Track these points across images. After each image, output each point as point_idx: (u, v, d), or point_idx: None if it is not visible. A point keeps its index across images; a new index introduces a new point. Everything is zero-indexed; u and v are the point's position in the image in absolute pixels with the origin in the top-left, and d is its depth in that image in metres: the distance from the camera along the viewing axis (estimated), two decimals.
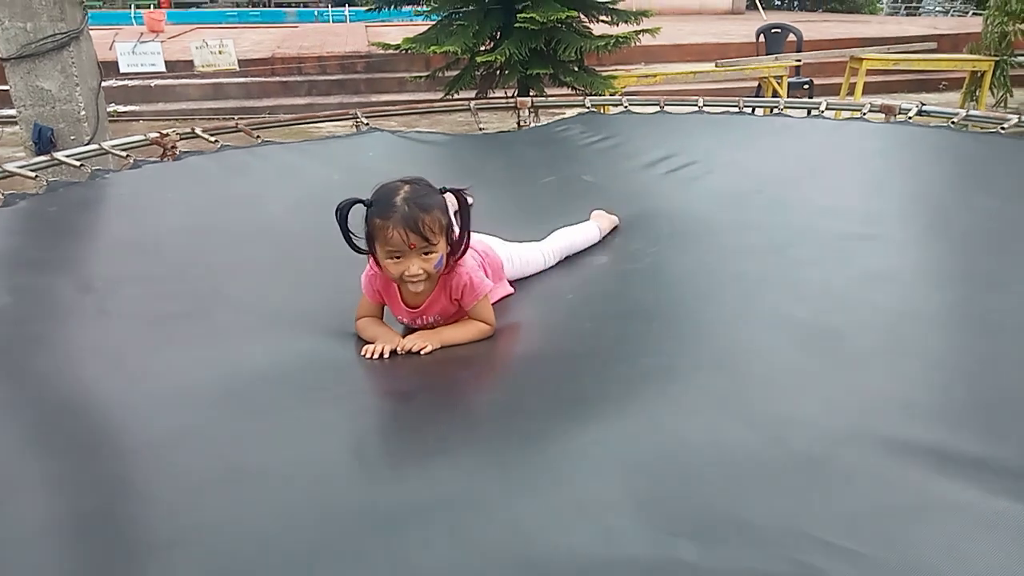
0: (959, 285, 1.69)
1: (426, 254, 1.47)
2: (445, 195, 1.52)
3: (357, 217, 1.52)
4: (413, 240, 1.44)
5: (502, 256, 1.83)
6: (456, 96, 6.42)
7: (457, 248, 1.55)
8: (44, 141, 3.77)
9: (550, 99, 4.15)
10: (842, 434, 1.14)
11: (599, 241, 2.13)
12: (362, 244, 1.53)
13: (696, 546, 0.94)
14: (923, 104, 2.89)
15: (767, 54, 7.06)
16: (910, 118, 2.81)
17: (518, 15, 5.74)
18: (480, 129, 3.40)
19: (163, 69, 6.40)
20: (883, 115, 2.88)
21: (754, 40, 7.66)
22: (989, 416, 1.18)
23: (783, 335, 1.48)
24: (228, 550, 0.96)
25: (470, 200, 1.56)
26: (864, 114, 2.89)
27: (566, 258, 2.05)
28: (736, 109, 3.13)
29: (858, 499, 1.01)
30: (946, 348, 1.43)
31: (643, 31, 6.24)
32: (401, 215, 1.42)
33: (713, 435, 1.16)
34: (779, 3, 21.28)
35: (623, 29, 6.25)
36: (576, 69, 6.26)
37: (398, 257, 1.47)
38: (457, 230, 1.55)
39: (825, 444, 1.12)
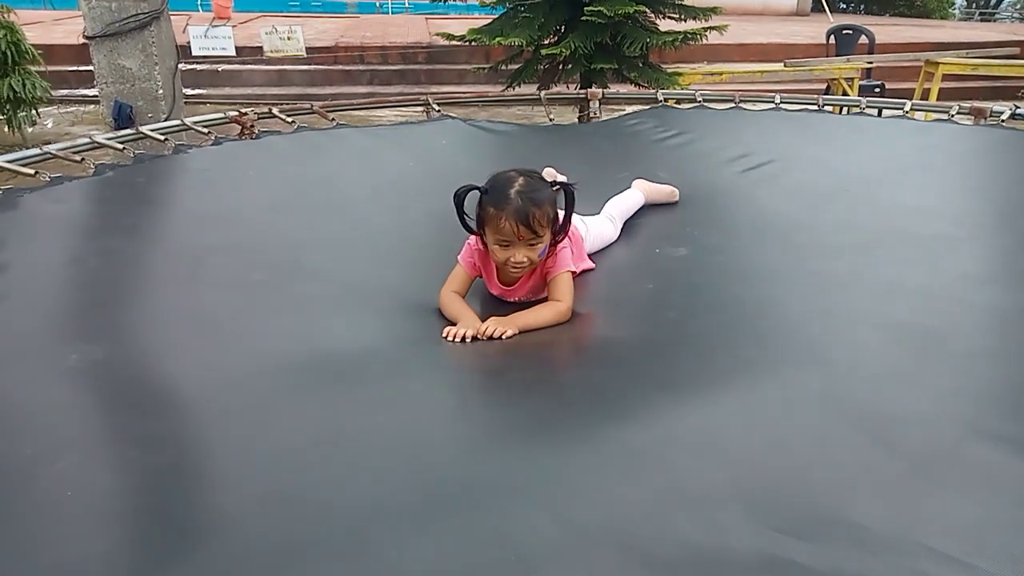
0: None
1: (532, 244, 1.55)
2: (556, 190, 1.60)
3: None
4: (523, 232, 1.52)
5: (582, 234, 1.87)
6: (517, 89, 6.39)
7: (557, 236, 1.62)
8: (123, 118, 3.88)
9: (620, 93, 4.10)
10: (954, 437, 1.09)
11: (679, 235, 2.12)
12: (473, 226, 1.64)
13: (804, 545, 0.90)
14: (1016, 107, 2.77)
15: (837, 55, 6.88)
16: (1002, 122, 2.70)
17: (585, 8, 5.68)
18: (550, 120, 3.38)
19: (233, 53, 6.54)
20: (972, 118, 2.77)
21: (821, 41, 7.48)
22: None
23: (881, 334, 1.43)
24: (323, 511, 0.96)
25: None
26: (952, 116, 2.79)
27: (642, 249, 2.04)
28: (815, 107, 3.04)
29: (977, 508, 0.96)
30: None
31: (710, 28, 6.13)
32: (514, 208, 1.51)
33: (816, 431, 1.12)
34: (844, 6, 20.74)
35: (690, 25, 6.14)
36: (641, 64, 6.18)
37: (506, 245, 1.55)
38: (561, 222, 1.62)
39: (937, 447, 1.07)
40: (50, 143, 2.38)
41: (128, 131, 2.55)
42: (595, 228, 1.97)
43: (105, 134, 2.47)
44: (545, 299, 1.64)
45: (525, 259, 1.55)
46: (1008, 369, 1.28)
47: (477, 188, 1.58)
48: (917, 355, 1.34)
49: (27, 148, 2.22)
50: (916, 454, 1.06)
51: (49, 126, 7.07)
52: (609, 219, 2.05)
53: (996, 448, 1.05)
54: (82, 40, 3.96)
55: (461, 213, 1.61)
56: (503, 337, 1.51)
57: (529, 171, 1.60)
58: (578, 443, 1.09)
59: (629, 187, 2.27)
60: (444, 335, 1.51)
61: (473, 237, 1.67)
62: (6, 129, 6.00)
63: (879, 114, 3.12)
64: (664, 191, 2.29)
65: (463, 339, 1.49)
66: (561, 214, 1.62)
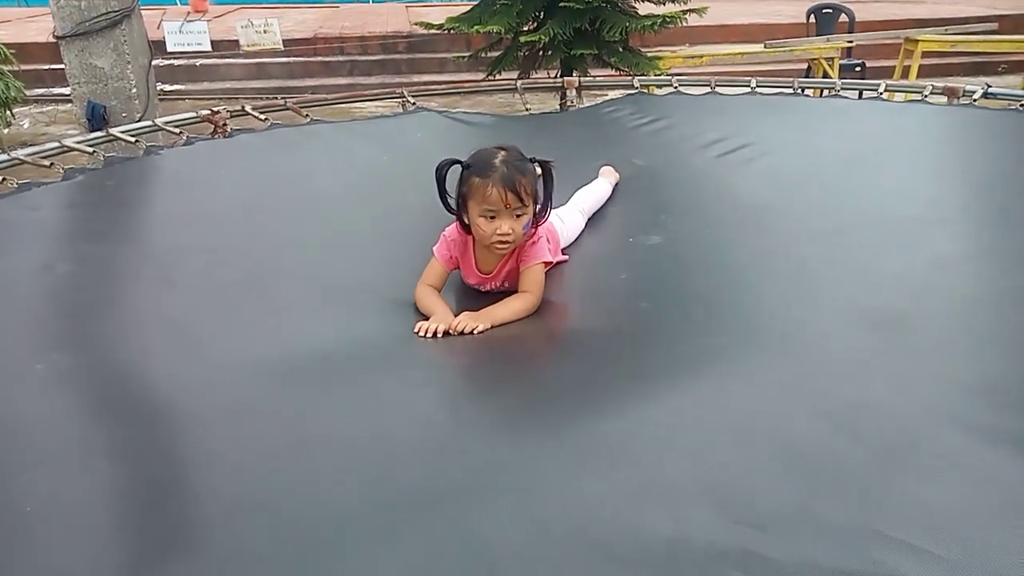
0: None
1: (517, 215, 1.55)
2: (534, 164, 1.61)
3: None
4: (510, 199, 1.52)
5: (557, 226, 1.87)
6: (499, 76, 6.36)
7: (539, 216, 1.63)
8: (97, 118, 3.84)
9: (597, 79, 4.09)
10: (918, 422, 1.10)
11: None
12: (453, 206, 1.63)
13: (765, 536, 0.91)
14: (989, 86, 2.78)
15: (817, 35, 6.87)
16: (975, 101, 2.71)
17: None
18: (526, 109, 3.37)
19: (209, 48, 6.45)
20: (946, 97, 2.78)
21: (803, 21, 7.46)
22: None
23: (849, 319, 1.44)
24: (295, 518, 0.96)
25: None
26: (926, 96, 2.79)
27: (617, 239, 2.04)
28: (791, 90, 3.04)
29: (938, 494, 0.97)
30: (1022, 332, 1.37)
31: (690, 11, 6.10)
32: (501, 174, 1.52)
33: (781, 420, 1.13)
34: None
35: (669, 9, 6.12)
36: (621, 50, 6.15)
37: (492, 216, 1.55)
38: (540, 199, 1.63)
39: (900, 433, 1.09)
40: (27, 143, 2.36)
41: (98, 134, 2.52)
42: (569, 222, 1.97)
43: (75, 138, 2.44)
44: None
45: (510, 230, 1.54)
46: (977, 355, 1.30)
47: (459, 162, 1.57)
48: (886, 342, 1.35)
49: (3, 148, 2.19)
50: (880, 442, 1.07)
51: (25, 126, 6.99)
52: (580, 211, 2.05)
53: (961, 435, 1.06)
54: (53, 39, 3.90)
55: (442, 189, 1.60)
56: (475, 332, 1.51)
57: (511, 146, 1.61)
58: (546, 440, 1.09)
59: (597, 177, 2.27)
60: (416, 331, 1.51)
61: (449, 228, 1.67)
62: None
63: (860, 96, 3.13)
64: (615, 175, 2.32)
65: (435, 334, 1.49)
66: (541, 193, 1.63)
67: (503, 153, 1.56)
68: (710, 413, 1.15)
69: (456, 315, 1.54)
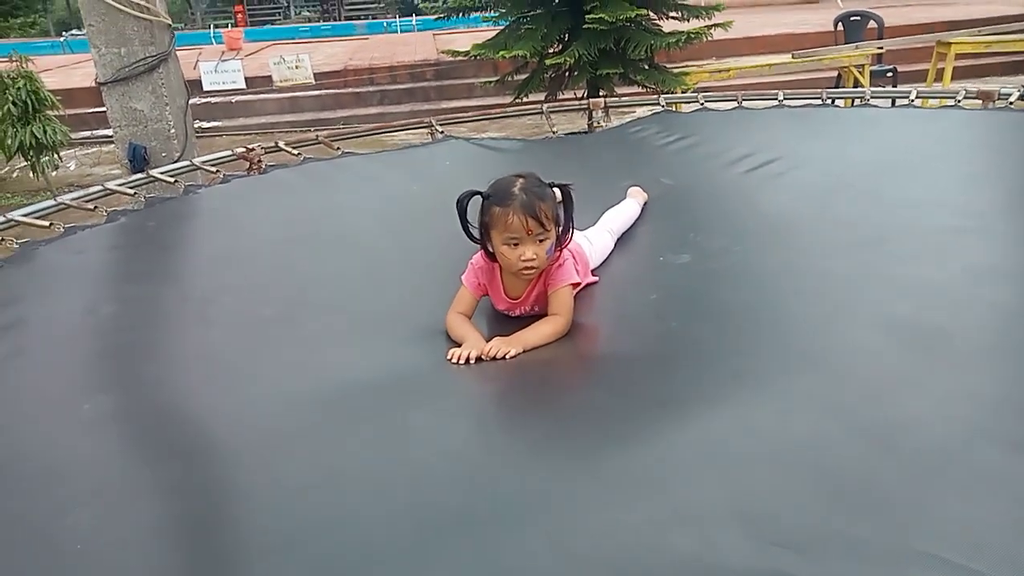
0: None
1: (540, 240, 1.57)
2: (553, 188, 1.63)
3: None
4: (531, 225, 1.54)
5: (585, 248, 1.88)
6: (526, 99, 6.43)
7: (562, 238, 1.64)
8: (138, 159, 3.98)
9: (623, 99, 4.11)
10: (957, 440, 1.08)
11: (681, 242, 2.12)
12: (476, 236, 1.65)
13: (800, 559, 0.90)
14: None
15: (846, 43, 6.81)
16: (1011, 103, 2.66)
17: (586, 16, 5.71)
18: (552, 131, 3.39)
19: (243, 85, 6.67)
20: (980, 102, 2.73)
21: (831, 29, 7.40)
22: None
23: (884, 334, 1.42)
24: (329, 553, 0.98)
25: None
26: (959, 101, 2.75)
27: (646, 258, 2.05)
28: (819, 101, 3.02)
29: (978, 512, 0.95)
30: None
31: (714, 26, 6.11)
32: (520, 202, 1.54)
33: (815, 440, 1.12)
34: None
35: (694, 25, 6.13)
36: (647, 67, 6.18)
37: (515, 244, 1.57)
38: (563, 222, 1.65)
39: (938, 451, 1.06)
40: (73, 184, 2.46)
41: (139, 176, 2.62)
42: (598, 243, 1.98)
43: (117, 181, 2.53)
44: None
45: (535, 256, 1.56)
46: (1015, 370, 1.26)
47: (480, 193, 1.60)
48: (920, 356, 1.33)
49: (52, 191, 2.30)
50: (916, 460, 1.05)
51: (72, 168, 7.27)
52: (608, 232, 2.05)
53: (997, 450, 1.04)
54: (95, 85, 4.07)
55: (464, 221, 1.63)
56: (507, 357, 1.52)
57: (528, 173, 1.63)
58: (575, 468, 1.10)
59: (625, 198, 2.27)
60: (448, 358, 1.53)
61: (476, 256, 1.69)
62: (31, 174, 6.18)
63: (893, 104, 3.08)
64: (644, 196, 2.32)
65: (467, 360, 1.51)
66: (562, 216, 1.65)
67: (521, 180, 1.58)
68: (741, 435, 1.14)
69: (487, 341, 1.55)
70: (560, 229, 1.63)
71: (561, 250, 1.65)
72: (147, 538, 1.04)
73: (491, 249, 1.63)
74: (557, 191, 1.65)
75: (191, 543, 1.04)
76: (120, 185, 2.49)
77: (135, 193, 2.47)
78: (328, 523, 1.03)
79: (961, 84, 2.96)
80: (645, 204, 2.33)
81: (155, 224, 2.23)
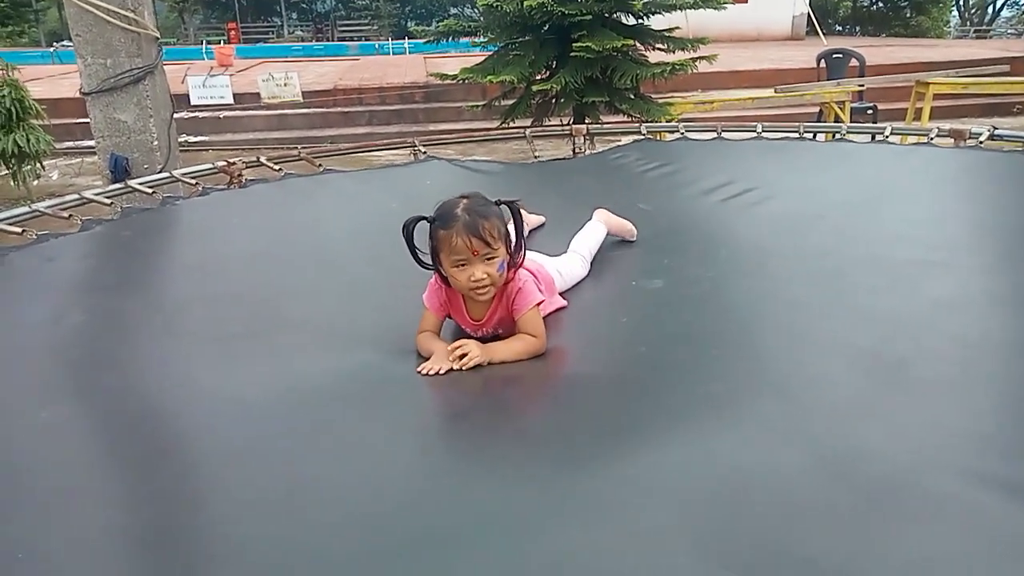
0: None
1: (488, 259, 1.55)
2: (500, 206, 1.61)
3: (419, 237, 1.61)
4: (476, 246, 1.52)
5: (552, 272, 1.87)
6: (512, 124, 6.48)
7: (515, 256, 1.62)
8: (119, 170, 3.96)
9: (605, 127, 4.16)
10: (912, 469, 1.09)
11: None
12: (427, 261, 1.63)
13: None
14: (995, 128, 2.79)
15: (828, 79, 6.94)
16: (981, 143, 2.72)
17: (574, 44, 5.79)
18: (535, 157, 3.42)
19: (231, 101, 6.67)
20: (952, 140, 2.79)
21: (814, 66, 7.54)
22: None
23: (847, 364, 1.43)
24: (282, 564, 0.97)
25: (525, 215, 1.69)
26: (931, 139, 2.81)
27: (619, 283, 2.06)
28: (796, 135, 3.07)
29: (931, 541, 0.96)
30: (1020, 379, 1.36)
31: (700, 58, 6.22)
32: (463, 223, 1.52)
33: (773, 467, 1.12)
34: (840, 28, 20.96)
35: (679, 56, 6.23)
36: (632, 96, 6.26)
37: (463, 264, 1.55)
38: (514, 239, 1.62)
39: (894, 480, 1.07)
40: (54, 194, 2.44)
41: (117, 186, 2.61)
42: (567, 271, 1.96)
43: (94, 190, 2.52)
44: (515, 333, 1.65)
45: (485, 275, 1.54)
46: (974, 402, 1.28)
47: (425, 218, 1.58)
48: (882, 386, 1.34)
49: (31, 199, 2.28)
50: (871, 489, 1.05)
51: (54, 178, 7.22)
52: (580, 257, 2.05)
53: (956, 482, 1.05)
54: (79, 95, 4.06)
55: (412, 247, 1.60)
56: (471, 363, 1.52)
57: (472, 193, 1.61)
58: (533, 488, 1.09)
59: (591, 219, 2.25)
60: (419, 370, 1.52)
61: (433, 279, 1.67)
62: (12, 183, 6.13)
63: (872, 139, 3.14)
64: (625, 227, 2.28)
65: (438, 372, 1.51)
66: (512, 233, 1.63)
67: (465, 201, 1.56)
68: (700, 461, 1.14)
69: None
70: (512, 247, 1.61)
71: (516, 269, 1.63)
72: (96, 547, 1.02)
73: (444, 273, 1.61)
74: (505, 208, 1.63)
75: (141, 553, 1.02)
76: (97, 194, 2.48)
77: (112, 203, 2.46)
78: (282, 532, 1.02)
79: (937, 123, 3.02)
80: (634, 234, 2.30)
81: (130, 234, 2.21)
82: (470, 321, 1.67)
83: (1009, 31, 20.29)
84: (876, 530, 0.99)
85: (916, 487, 1.06)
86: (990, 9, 21.39)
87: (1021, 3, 21.34)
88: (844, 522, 1.00)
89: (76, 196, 2.40)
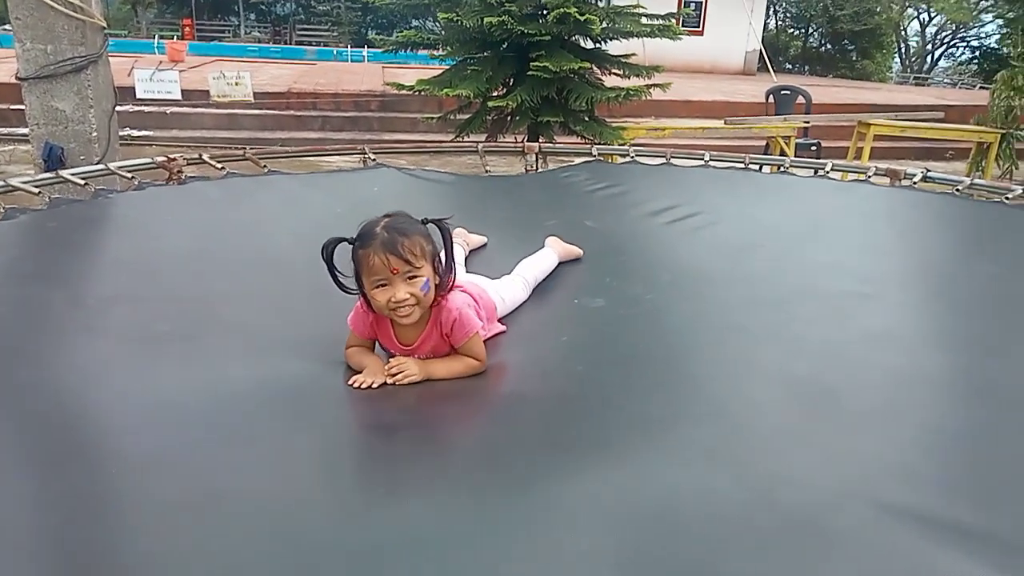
0: (958, 350, 1.66)
1: (410, 278, 1.47)
2: (427, 225, 1.54)
3: (345, 259, 1.53)
4: (395, 264, 1.44)
5: (494, 298, 1.82)
6: (467, 138, 6.48)
7: (444, 277, 1.55)
8: (53, 160, 3.80)
9: (558, 146, 4.19)
10: (835, 496, 1.10)
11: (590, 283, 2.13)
12: (351, 284, 1.54)
13: None
14: (928, 171, 2.90)
15: (776, 114, 7.15)
16: (915, 184, 2.82)
17: (531, 63, 5.84)
18: (486, 171, 3.42)
19: (179, 97, 6.50)
20: (888, 179, 2.89)
21: (763, 100, 7.77)
22: (986, 485, 1.15)
23: (779, 390, 1.46)
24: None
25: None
26: (869, 177, 2.90)
27: (561, 301, 2.05)
28: (742, 165, 3.14)
29: (847, 565, 0.97)
30: (944, 413, 1.40)
31: (654, 86, 6.33)
32: (381, 240, 1.45)
33: (703, 490, 1.13)
34: (790, 66, 21.69)
35: (634, 83, 6.34)
36: (586, 119, 6.34)
37: (383, 284, 1.47)
38: (443, 260, 1.56)
39: (817, 505, 1.09)
40: None
41: (47, 175, 2.50)
42: (510, 296, 1.91)
43: (22, 178, 2.41)
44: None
45: (407, 295, 1.46)
46: (897, 430, 1.31)
47: (346, 239, 1.50)
48: (811, 413, 1.37)
49: None
50: (795, 515, 1.06)
51: None
52: (524, 281, 2.00)
53: (871, 511, 1.06)
54: (15, 80, 3.89)
55: (332, 269, 1.51)
56: (406, 380, 1.48)
57: (396, 212, 1.53)
58: (460, 506, 1.07)
59: (543, 247, 2.22)
60: (350, 383, 1.48)
61: (358, 303, 1.58)
62: None
63: (815, 173, 3.23)
64: (573, 252, 2.26)
65: (370, 386, 1.46)
66: (441, 254, 1.56)
67: (386, 219, 1.49)
68: (631, 483, 1.14)
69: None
70: (442, 268, 1.53)
71: (447, 292, 1.55)
72: (3, 550, 0.95)
73: (367, 295, 1.52)
74: (432, 226, 1.55)
75: (44, 558, 0.96)
76: (26, 183, 2.36)
77: (40, 192, 2.35)
78: (192, 546, 0.97)
79: (875, 162, 3.13)
80: (580, 258, 2.26)
81: (56, 225, 2.12)
82: (400, 346, 1.59)
83: (946, 80, 21.33)
84: (795, 556, 1.00)
85: (837, 515, 1.07)
86: (929, 58, 22.46)
87: (957, 54, 22.48)
88: (768, 547, 1.01)
89: (1, 183, 2.29)
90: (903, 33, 22.29)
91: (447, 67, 6.71)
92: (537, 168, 3.48)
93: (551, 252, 2.20)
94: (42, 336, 1.58)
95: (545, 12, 5.93)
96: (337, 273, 1.53)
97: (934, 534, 1.02)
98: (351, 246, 1.50)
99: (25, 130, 4.21)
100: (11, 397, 1.32)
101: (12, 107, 7.48)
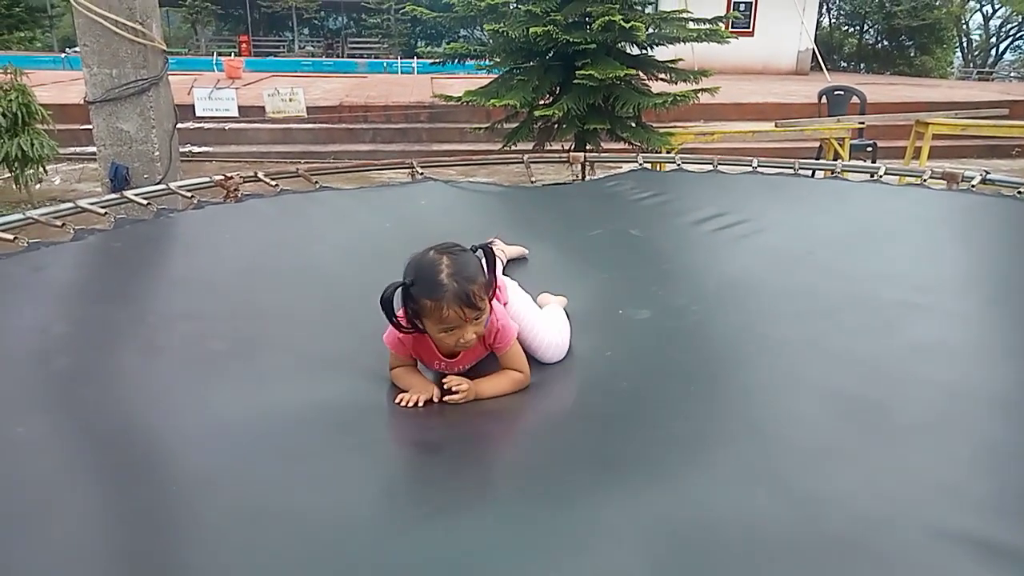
0: (1015, 363, 1.61)
1: (477, 320, 1.50)
2: (477, 253, 1.56)
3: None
4: (468, 314, 1.46)
5: (510, 290, 1.83)
6: (514, 148, 6.53)
7: (491, 299, 1.56)
8: (119, 179, 3.98)
9: (603, 155, 4.19)
10: (881, 517, 1.08)
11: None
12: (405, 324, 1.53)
13: None
14: (988, 172, 2.81)
15: (829, 116, 6.99)
16: (973, 187, 2.73)
17: (577, 72, 5.85)
18: (532, 182, 3.44)
19: (236, 114, 6.72)
20: (945, 182, 2.80)
21: (815, 101, 7.61)
22: None
23: (825, 406, 1.43)
24: None
25: (500, 254, 1.58)
26: (924, 180, 2.82)
27: (607, 311, 2.05)
28: (791, 171, 3.09)
29: None
30: (998, 430, 1.35)
31: (702, 90, 6.27)
32: (453, 293, 1.43)
33: (744, 509, 1.12)
34: (845, 65, 21.16)
35: (682, 88, 6.29)
36: (633, 125, 6.32)
37: (452, 330, 1.49)
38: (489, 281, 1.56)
39: (862, 527, 1.07)
40: (56, 199, 2.44)
41: (112, 196, 2.62)
42: (547, 337, 1.76)
43: (88, 199, 2.53)
44: (488, 358, 1.63)
45: (474, 336, 1.50)
46: (947, 448, 1.28)
47: (403, 284, 1.48)
48: (857, 431, 1.34)
49: (32, 204, 2.28)
50: (840, 536, 1.05)
51: (57, 183, 7.25)
52: (558, 334, 1.80)
53: (921, 533, 1.04)
54: (83, 103, 4.09)
55: (390, 313, 1.50)
56: (457, 397, 1.50)
57: (446, 246, 1.52)
58: (502, 523, 1.09)
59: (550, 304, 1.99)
60: (397, 401, 1.51)
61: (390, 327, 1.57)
62: (14, 186, 6.16)
63: (872, 177, 3.16)
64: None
65: (416, 404, 1.49)
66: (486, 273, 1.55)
67: (445, 262, 1.46)
68: (672, 501, 1.14)
69: (438, 387, 1.53)
70: (490, 293, 1.53)
71: (494, 311, 1.56)
72: (66, 564, 1.01)
73: (423, 329, 1.52)
74: (480, 253, 1.55)
75: (115, 570, 1.01)
76: (92, 204, 2.48)
77: (106, 213, 2.47)
78: (244, 564, 1.01)
79: (933, 164, 3.04)
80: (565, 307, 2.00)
81: (121, 245, 2.22)
82: (442, 358, 1.60)
83: (1012, 74, 20.49)
84: None
85: (885, 537, 1.05)
86: (993, 52, 21.61)
87: (1023, 47, 21.57)
88: (810, 569, 1.00)
89: (70, 205, 2.41)
90: (965, 27, 21.51)
91: (494, 77, 6.78)
92: (584, 177, 3.49)
93: (556, 307, 1.98)
94: (104, 354, 1.66)
95: (590, 20, 5.94)
96: (397, 319, 1.52)
97: (987, 558, 0.99)
98: (408, 287, 1.48)
99: (93, 149, 4.42)
100: (78, 415, 1.40)
101: (81, 127, 7.85)
